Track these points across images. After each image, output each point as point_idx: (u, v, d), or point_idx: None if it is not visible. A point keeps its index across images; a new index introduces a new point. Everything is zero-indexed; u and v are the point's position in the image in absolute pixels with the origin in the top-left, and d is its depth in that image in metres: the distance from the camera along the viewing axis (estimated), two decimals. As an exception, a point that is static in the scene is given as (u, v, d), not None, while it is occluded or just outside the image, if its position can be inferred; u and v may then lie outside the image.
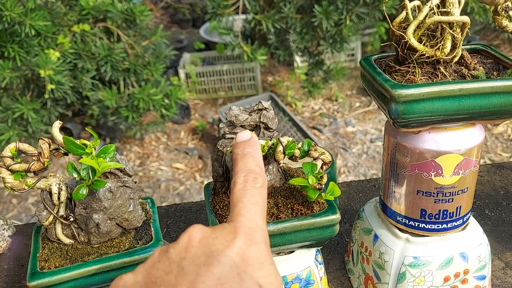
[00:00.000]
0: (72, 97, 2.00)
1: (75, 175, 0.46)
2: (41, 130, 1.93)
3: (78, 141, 0.46)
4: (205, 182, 2.48)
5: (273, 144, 0.53)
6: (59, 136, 0.48)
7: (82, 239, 0.53)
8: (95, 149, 0.48)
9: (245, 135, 0.46)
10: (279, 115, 2.74)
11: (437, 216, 0.57)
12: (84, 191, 0.46)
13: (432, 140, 0.52)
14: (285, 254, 0.58)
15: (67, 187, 0.52)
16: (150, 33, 2.27)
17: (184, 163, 2.57)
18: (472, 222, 0.61)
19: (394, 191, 0.58)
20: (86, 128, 0.61)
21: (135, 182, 0.55)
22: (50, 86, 1.82)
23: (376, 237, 0.62)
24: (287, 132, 2.65)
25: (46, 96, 1.83)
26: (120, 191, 0.52)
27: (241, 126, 0.55)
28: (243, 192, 0.39)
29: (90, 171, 0.46)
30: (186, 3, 4.06)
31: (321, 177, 0.53)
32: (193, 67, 2.95)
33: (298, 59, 3.06)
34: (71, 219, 0.52)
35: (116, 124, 2.39)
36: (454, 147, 0.52)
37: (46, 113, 2.02)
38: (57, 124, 0.48)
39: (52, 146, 0.49)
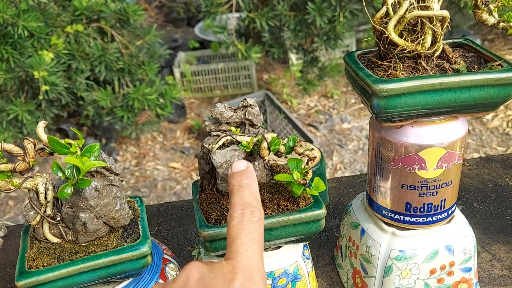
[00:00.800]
0: (66, 98, 2.00)
1: (60, 174, 0.47)
2: (35, 131, 1.93)
3: (62, 141, 0.47)
4: (202, 181, 2.49)
5: (258, 140, 0.53)
6: (43, 136, 0.48)
7: (70, 238, 0.53)
8: (80, 148, 0.48)
9: (241, 165, 0.45)
10: (274, 113, 2.74)
11: (422, 210, 0.57)
12: (69, 190, 0.47)
13: (415, 134, 0.53)
14: (272, 249, 0.58)
15: (53, 186, 0.52)
16: (144, 33, 2.27)
17: (181, 162, 2.58)
18: (458, 214, 0.62)
19: (380, 186, 0.59)
20: (70, 128, 0.61)
21: (122, 180, 0.56)
22: (44, 87, 1.82)
23: (363, 231, 0.63)
24: (283, 129, 2.66)
25: (41, 97, 1.83)
26: (107, 189, 0.53)
27: (227, 123, 0.56)
28: (240, 228, 0.39)
29: (74, 170, 0.46)
30: (180, 2, 4.06)
31: (306, 172, 0.54)
32: (188, 66, 2.95)
33: (293, 56, 3.06)
34: (58, 218, 0.52)
35: (112, 124, 2.39)
36: (437, 141, 0.53)
37: (41, 114, 2.02)
38: (41, 124, 0.48)
39: (37, 146, 0.49)
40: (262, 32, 2.51)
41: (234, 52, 3.13)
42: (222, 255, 0.56)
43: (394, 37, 0.49)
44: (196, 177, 2.47)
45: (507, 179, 0.86)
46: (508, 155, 0.92)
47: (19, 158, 0.50)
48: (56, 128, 2.51)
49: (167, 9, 4.10)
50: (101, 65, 2.04)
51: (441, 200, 0.57)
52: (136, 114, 2.25)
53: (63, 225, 0.53)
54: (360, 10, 2.15)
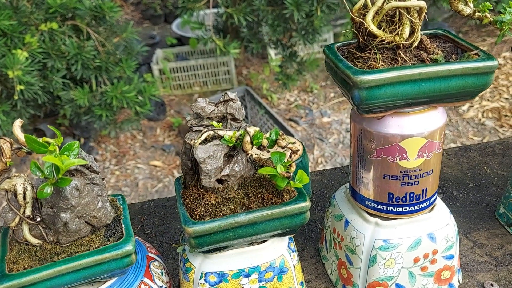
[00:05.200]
0: (43, 98, 1.96)
1: (38, 173, 0.46)
2: (12, 132, 1.89)
3: (40, 139, 0.46)
4: (183, 178, 2.48)
5: (240, 135, 0.53)
6: (20, 135, 0.47)
7: (51, 238, 0.52)
8: (58, 146, 0.47)
9: None
10: (255, 108, 2.74)
11: (404, 199, 0.58)
12: (48, 189, 0.46)
13: (395, 125, 0.53)
14: (258, 243, 0.58)
15: (32, 187, 0.51)
16: (121, 30, 2.24)
17: (162, 160, 2.56)
18: (439, 203, 0.63)
19: (362, 177, 0.59)
20: (48, 126, 0.60)
21: (103, 179, 0.55)
22: (19, 87, 1.78)
23: (347, 222, 0.63)
24: (264, 125, 2.66)
25: (16, 97, 1.79)
26: (87, 188, 0.52)
27: (208, 118, 0.55)
28: None
29: (54, 169, 0.45)
30: (157, -1, 4.02)
31: (290, 165, 0.54)
32: (167, 62, 2.93)
33: (271, 51, 3.06)
34: (38, 219, 0.51)
35: (90, 123, 2.36)
36: (417, 131, 0.53)
37: (16, 114, 1.98)
38: (18, 123, 0.47)
39: (13, 146, 0.48)
40: (240, 28, 2.50)
41: (213, 48, 3.12)
42: (208, 251, 0.55)
43: (373, 28, 0.49)
44: (178, 174, 2.45)
45: (485, 168, 0.88)
46: (485, 144, 0.94)
47: (-5, 158, 0.48)
48: (33, 128, 2.47)
49: (144, 6, 4.06)
50: (78, 63, 2.01)
51: (423, 189, 0.58)
52: (114, 112, 2.22)
53: (43, 226, 0.52)
54: (337, 4, 2.16)
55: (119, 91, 2.09)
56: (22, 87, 1.78)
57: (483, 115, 2.80)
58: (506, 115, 2.79)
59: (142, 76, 2.72)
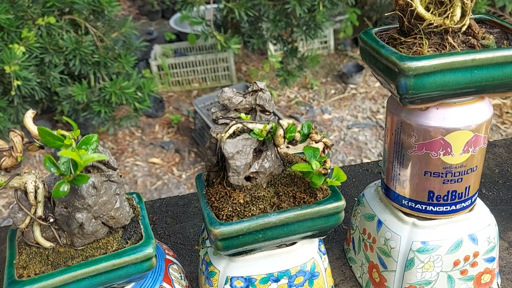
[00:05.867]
0: (40, 94, 1.90)
1: (53, 170, 0.41)
2: (8, 129, 1.84)
3: (55, 132, 0.41)
4: (183, 176, 2.43)
5: (271, 128, 0.49)
6: (33, 127, 0.42)
7: (64, 241, 0.48)
8: (75, 140, 0.42)
9: None
10: (255, 105, 2.69)
11: (445, 198, 0.54)
12: (65, 187, 0.41)
13: (440, 117, 0.49)
14: (287, 246, 0.54)
15: (44, 184, 0.47)
16: (120, 25, 2.18)
17: (161, 157, 2.51)
18: (479, 202, 0.59)
19: (399, 174, 0.55)
20: (63, 117, 0.55)
21: (120, 176, 0.50)
22: (16, 83, 1.72)
23: (380, 223, 0.59)
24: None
25: (13, 93, 1.74)
26: (105, 186, 0.47)
27: (235, 109, 0.51)
28: None
29: (71, 164, 0.41)
30: (154, -6, 3.96)
31: (325, 161, 0.49)
32: (165, 58, 2.87)
33: (272, 47, 3.02)
34: (51, 220, 0.46)
35: (88, 120, 2.30)
36: (464, 124, 0.49)
37: (13, 111, 1.92)
38: (30, 114, 0.42)
39: (24, 140, 0.43)
40: (240, 23, 2.45)
41: (212, 44, 3.07)
42: (235, 254, 0.51)
43: (421, 10, 0.44)
44: (177, 172, 2.41)
45: (512, 164, 0.84)
46: (510, 140, 0.90)
47: (4, 153, 0.43)
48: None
49: (141, 2, 3.99)
50: (76, 58, 1.95)
51: (466, 187, 0.53)
52: (113, 108, 2.17)
53: (56, 227, 0.47)
54: (339, -1, 2.12)
55: (118, 87, 2.04)
56: (19, 83, 1.72)
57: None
58: (507, 112, 2.76)
59: (141, 72, 2.66)
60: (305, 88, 3.10)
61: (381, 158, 0.86)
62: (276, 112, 2.61)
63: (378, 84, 3.04)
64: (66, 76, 2.04)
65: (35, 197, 0.46)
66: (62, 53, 1.93)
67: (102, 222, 0.48)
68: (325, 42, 3.36)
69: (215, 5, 2.55)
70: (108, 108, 2.13)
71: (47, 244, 0.47)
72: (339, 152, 2.57)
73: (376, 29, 0.52)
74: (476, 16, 0.53)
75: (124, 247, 0.49)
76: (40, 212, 0.46)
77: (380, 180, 0.62)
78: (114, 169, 0.49)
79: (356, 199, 0.66)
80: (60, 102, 2.14)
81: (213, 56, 2.92)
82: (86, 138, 0.43)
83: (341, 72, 3.10)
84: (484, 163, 0.85)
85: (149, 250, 0.48)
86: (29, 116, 0.42)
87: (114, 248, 0.48)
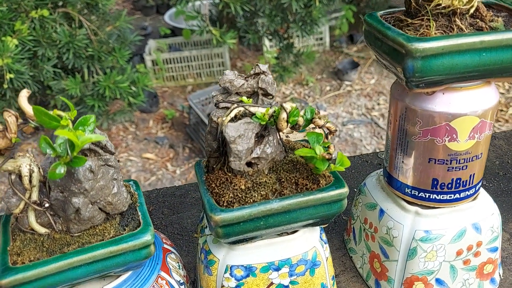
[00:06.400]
0: (33, 87, 1.88)
1: (49, 151, 0.39)
2: (0, 122, 1.81)
3: (51, 112, 0.40)
4: (177, 172, 2.41)
5: (274, 112, 0.47)
6: (27, 107, 0.41)
7: (60, 227, 0.46)
8: (72, 121, 0.41)
9: None
10: (250, 101, 2.68)
11: (449, 186, 0.53)
12: (61, 169, 0.39)
13: (446, 102, 0.48)
14: (288, 234, 0.53)
15: (39, 168, 0.45)
16: (114, 19, 2.16)
17: (155, 152, 2.49)
18: (482, 191, 0.58)
19: (403, 161, 0.54)
20: (60, 97, 0.53)
21: (118, 160, 0.49)
22: (8, 76, 1.70)
23: (382, 212, 0.58)
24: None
25: (5, 86, 1.71)
26: (102, 170, 0.46)
27: (237, 93, 0.50)
28: None
29: (68, 146, 0.39)
30: (148, -11, 3.93)
31: (328, 146, 0.48)
32: (160, 53, 2.85)
33: (267, 43, 3.00)
34: (46, 205, 0.45)
35: (81, 114, 2.27)
36: (471, 109, 0.48)
37: (5, 104, 1.89)
38: (24, 93, 0.41)
39: (19, 120, 0.42)
40: (236, 18, 2.44)
41: (207, 39, 3.05)
42: (235, 242, 0.50)
43: (429, -9, 0.43)
44: (171, 168, 2.39)
45: (512, 156, 0.83)
46: (510, 133, 0.89)
47: (-2, 135, 0.42)
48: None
49: (135, -4, 3.96)
50: (69, 52, 1.93)
51: (470, 175, 0.52)
52: (107, 103, 2.14)
53: (51, 212, 0.46)
54: (336, -6, 2.11)
55: (112, 81, 2.02)
56: (11, 76, 1.70)
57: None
58: (501, 110, 2.77)
59: (135, 66, 2.64)
60: (300, 84, 3.09)
61: (377, 152, 0.85)
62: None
63: (373, 81, 3.04)
64: (60, 70, 2.01)
65: (30, 181, 0.44)
66: (55, 46, 1.91)
67: (99, 208, 0.47)
68: (321, 38, 3.36)
69: (211, 0, 2.53)
70: (102, 103, 2.10)
71: (42, 230, 0.46)
72: (334, 148, 2.56)
73: (381, 12, 0.51)
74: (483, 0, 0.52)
75: (122, 233, 0.47)
76: (35, 197, 0.45)
77: (381, 170, 0.61)
78: (112, 153, 0.47)
79: (356, 189, 0.64)
80: (53, 96, 2.11)
81: (208, 51, 2.90)
82: (83, 119, 0.41)
83: (336, 69, 3.09)
84: (484, 155, 0.84)
85: (148, 237, 0.47)
86: (23, 96, 0.41)
87: (111, 235, 0.47)
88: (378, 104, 2.85)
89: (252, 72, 0.49)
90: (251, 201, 0.48)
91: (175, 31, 3.27)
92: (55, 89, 2.05)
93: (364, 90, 2.99)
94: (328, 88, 3.06)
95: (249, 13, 2.37)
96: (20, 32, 1.84)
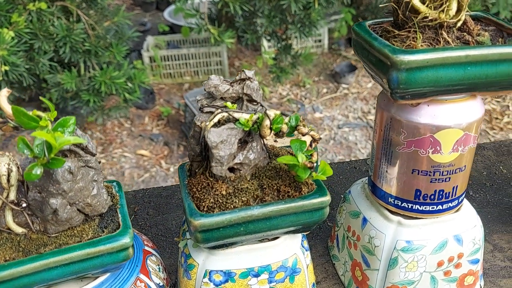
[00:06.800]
0: (28, 80, 1.87)
1: (27, 152, 0.39)
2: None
3: (30, 112, 0.39)
4: (171, 169, 2.40)
5: (258, 118, 0.47)
6: (7, 107, 0.40)
7: (38, 227, 0.46)
8: (51, 122, 0.40)
9: None
10: (247, 101, 2.67)
11: (432, 197, 0.53)
12: (38, 171, 0.39)
13: (431, 114, 0.48)
14: (269, 240, 0.53)
15: (18, 168, 0.45)
16: (112, 14, 2.15)
17: (149, 149, 2.48)
18: (466, 203, 0.58)
19: (386, 171, 0.54)
20: (40, 97, 0.53)
21: (99, 162, 0.48)
22: (4, 68, 1.69)
23: (365, 220, 0.58)
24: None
25: (0, 78, 1.70)
26: (82, 172, 0.45)
27: (221, 98, 0.49)
28: None
29: (45, 147, 0.39)
30: (149, -15, 3.92)
31: (311, 155, 0.48)
32: (158, 50, 2.84)
33: (265, 43, 3.00)
34: (24, 205, 0.44)
35: (77, 109, 2.27)
36: (455, 122, 0.48)
37: None
38: (4, 92, 0.40)
39: (-1, 119, 0.42)
40: (235, 17, 2.43)
41: (206, 37, 3.04)
42: (215, 247, 0.50)
43: (416, 2, 0.43)
44: (165, 165, 2.38)
45: (501, 167, 0.83)
46: (499, 143, 0.89)
47: (-24, 133, 0.42)
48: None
49: (135, -8, 3.95)
50: (66, 46, 1.92)
51: (453, 187, 0.52)
52: (102, 98, 2.14)
53: (29, 212, 0.45)
54: (335, -3, 2.11)
55: (108, 77, 2.01)
56: (6, 68, 1.69)
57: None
58: (497, 118, 2.77)
59: (132, 62, 2.63)
60: (297, 86, 3.09)
61: (366, 158, 0.85)
62: (267, 108, 2.60)
63: (370, 85, 3.04)
64: (56, 64, 2.00)
65: (8, 180, 0.44)
66: (52, 40, 1.90)
67: (78, 209, 0.46)
68: (319, 41, 3.35)
69: (210, -2, 2.52)
70: (97, 98, 2.10)
71: (19, 229, 0.45)
72: (329, 151, 2.57)
73: (370, 21, 0.51)
74: (472, 13, 0.52)
75: (100, 235, 0.47)
76: (12, 196, 0.44)
77: (367, 178, 0.61)
78: (93, 155, 0.47)
79: (342, 196, 0.64)
80: (48, 90, 2.10)
81: (206, 49, 2.90)
82: (63, 120, 0.41)
83: (334, 71, 3.09)
84: (472, 165, 0.84)
85: (126, 240, 0.46)
86: (3, 95, 0.40)
87: (89, 237, 0.47)
88: (375, 108, 2.85)
89: (237, 77, 0.49)
90: (232, 206, 0.47)
91: (174, 28, 3.26)
92: (51, 83, 2.05)
93: (361, 94, 3.00)
94: (325, 90, 3.06)
95: (248, 13, 2.37)
96: (16, 25, 1.83)
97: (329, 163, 0.85)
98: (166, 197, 0.78)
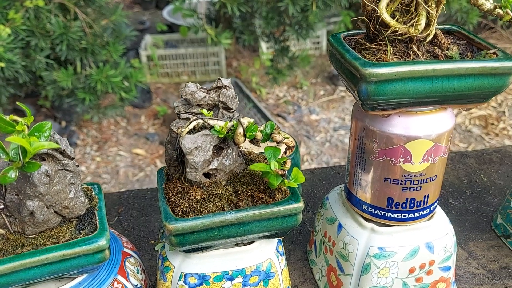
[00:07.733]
0: (24, 77, 1.88)
1: (3, 156, 0.40)
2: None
3: (7, 117, 0.40)
4: (166, 169, 2.42)
5: (232, 125, 0.48)
6: (-15, 111, 0.41)
7: (15, 228, 0.47)
8: (28, 126, 0.42)
9: None
10: (243, 102, 2.69)
11: (404, 205, 0.54)
12: (12, 174, 0.40)
13: (402, 125, 0.49)
14: (244, 245, 0.54)
15: (-3, 170, 0.46)
16: (110, 12, 2.16)
17: (145, 148, 2.49)
18: (439, 211, 0.59)
19: (360, 179, 0.55)
20: (17, 102, 0.55)
21: (78, 165, 0.49)
22: (0, 64, 1.70)
23: (340, 226, 0.59)
24: (251, 118, 2.61)
25: (-5, 74, 1.71)
26: (59, 175, 0.47)
27: (198, 105, 0.50)
28: None
29: (20, 151, 0.40)
30: (149, -16, 3.93)
31: (284, 162, 0.49)
32: (156, 49, 2.86)
33: (263, 45, 3.01)
34: (1, 207, 0.46)
35: (72, 106, 2.29)
36: (425, 132, 0.49)
37: (-5, 93, 1.90)
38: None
39: (-22, 123, 0.43)
40: (233, 18, 2.45)
41: (204, 37, 3.05)
42: (189, 251, 0.51)
43: (386, 17, 0.44)
44: (160, 164, 2.39)
45: (481, 175, 0.84)
46: (482, 152, 0.91)
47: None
48: (12, 108, 2.38)
49: (135, -10, 3.96)
50: (63, 43, 1.93)
51: (425, 196, 0.54)
52: (98, 96, 2.15)
53: (7, 214, 0.47)
54: (332, 1, 2.12)
55: (105, 75, 2.02)
56: (3, 65, 1.70)
57: (470, 122, 2.80)
58: (492, 124, 2.79)
59: (129, 61, 2.64)
60: (294, 87, 3.10)
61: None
62: (264, 110, 2.61)
63: (367, 87, 3.05)
64: (52, 61, 2.01)
65: (-13, 182, 0.45)
66: (49, 37, 1.91)
67: (55, 211, 0.47)
68: (318, 42, 3.36)
69: (208, -1, 2.54)
70: (93, 96, 2.11)
71: (-3, 230, 0.47)
72: (324, 153, 2.58)
73: (346, 33, 0.52)
74: (445, 26, 0.53)
75: (77, 237, 0.48)
76: (-9, 197, 0.46)
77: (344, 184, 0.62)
78: (71, 158, 0.48)
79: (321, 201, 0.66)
80: (44, 87, 2.11)
81: (204, 49, 2.91)
82: (39, 125, 0.42)
83: (331, 73, 3.10)
84: (454, 172, 0.85)
85: (102, 242, 0.48)
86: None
87: (66, 238, 0.48)
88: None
89: (214, 85, 0.50)
90: (206, 211, 0.49)
91: (172, 27, 3.27)
92: (47, 80, 2.06)
93: (357, 97, 3.00)
94: (322, 92, 3.07)
95: (246, 14, 2.38)
96: (13, 21, 1.84)
97: (312, 168, 0.86)
98: (150, 199, 0.79)
